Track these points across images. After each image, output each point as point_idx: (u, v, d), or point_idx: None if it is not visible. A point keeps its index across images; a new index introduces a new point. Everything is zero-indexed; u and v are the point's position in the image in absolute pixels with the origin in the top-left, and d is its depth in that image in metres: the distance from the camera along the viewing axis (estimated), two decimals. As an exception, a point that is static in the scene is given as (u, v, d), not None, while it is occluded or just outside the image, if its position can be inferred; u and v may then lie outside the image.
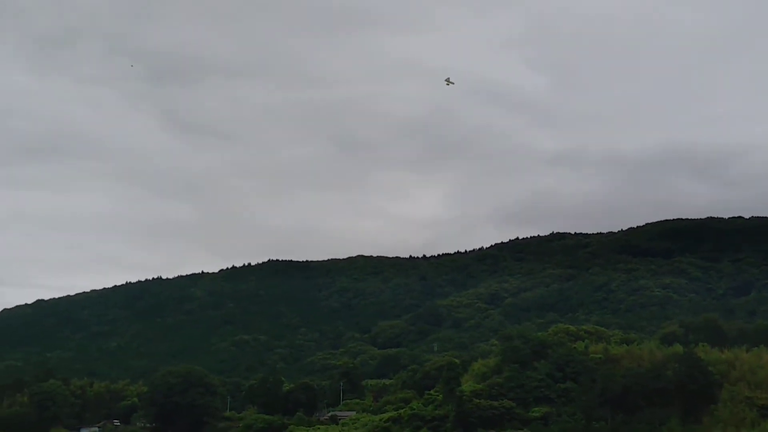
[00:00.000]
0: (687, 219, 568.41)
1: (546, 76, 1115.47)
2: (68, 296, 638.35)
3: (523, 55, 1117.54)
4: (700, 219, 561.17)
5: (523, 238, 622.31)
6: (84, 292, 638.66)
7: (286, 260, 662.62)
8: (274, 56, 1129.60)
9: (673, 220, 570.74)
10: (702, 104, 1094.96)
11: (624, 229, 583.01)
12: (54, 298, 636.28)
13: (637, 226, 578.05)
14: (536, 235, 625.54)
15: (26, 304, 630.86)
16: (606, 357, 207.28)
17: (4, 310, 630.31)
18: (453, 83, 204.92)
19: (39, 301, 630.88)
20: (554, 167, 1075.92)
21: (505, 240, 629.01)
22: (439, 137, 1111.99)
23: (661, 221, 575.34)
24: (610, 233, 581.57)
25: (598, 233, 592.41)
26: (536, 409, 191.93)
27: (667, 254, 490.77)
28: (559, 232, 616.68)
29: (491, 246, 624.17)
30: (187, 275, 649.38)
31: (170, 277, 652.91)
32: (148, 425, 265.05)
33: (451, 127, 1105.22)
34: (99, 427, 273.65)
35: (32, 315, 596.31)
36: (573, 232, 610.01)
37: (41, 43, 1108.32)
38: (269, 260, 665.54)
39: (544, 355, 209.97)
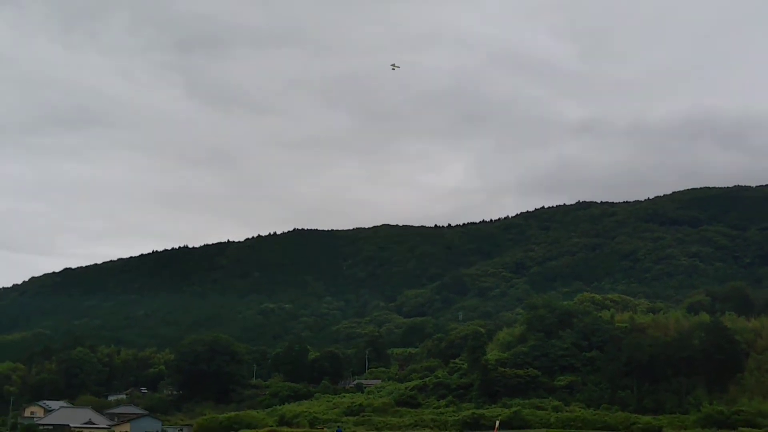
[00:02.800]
0: (714, 187, 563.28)
1: (572, 45, 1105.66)
2: (96, 265, 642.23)
3: (549, 24, 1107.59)
4: (728, 187, 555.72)
5: (549, 207, 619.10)
6: (111, 261, 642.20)
7: (311, 229, 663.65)
8: (301, 26, 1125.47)
9: (701, 188, 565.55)
10: (729, 72, 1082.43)
11: (650, 197, 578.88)
12: (82, 267, 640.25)
13: (664, 195, 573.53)
14: (562, 203, 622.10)
15: (54, 273, 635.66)
16: (632, 326, 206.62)
17: (33, 278, 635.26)
18: (398, 67, 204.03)
19: (67, 270, 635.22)
20: (580, 136, 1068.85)
21: (531, 209, 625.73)
22: (465, 106, 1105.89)
23: (688, 189, 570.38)
24: (637, 202, 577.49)
25: (624, 202, 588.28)
26: (561, 377, 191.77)
27: (694, 223, 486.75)
28: (585, 201, 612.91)
29: (517, 215, 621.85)
30: (213, 244, 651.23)
31: (196, 245, 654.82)
32: (174, 392, 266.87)
33: (477, 97, 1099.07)
34: (126, 395, 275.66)
35: (60, 283, 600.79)
36: (599, 201, 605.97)
37: (69, 13, 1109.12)
38: (295, 229, 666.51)
39: (570, 324, 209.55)
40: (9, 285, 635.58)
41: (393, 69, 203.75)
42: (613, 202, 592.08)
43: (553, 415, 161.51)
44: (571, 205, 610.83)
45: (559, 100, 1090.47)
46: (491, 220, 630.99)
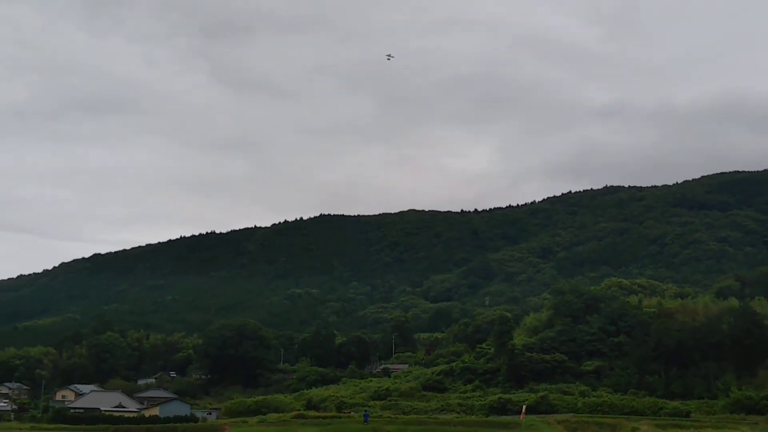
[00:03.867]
0: (743, 171, 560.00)
1: (597, 28, 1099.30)
2: (124, 250, 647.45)
3: (574, 6, 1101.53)
4: (757, 171, 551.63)
5: (576, 192, 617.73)
6: (139, 246, 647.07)
7: (337, 214, 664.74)
8: (325, 11, 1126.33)
9: (730, 172, 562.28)
10: (758, 54, 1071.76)
11: (679, 181, 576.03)
12: (110, 253, 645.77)
13: (693, 179, 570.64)
14: (589, 188, 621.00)
15: (83, 258, 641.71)
16: (660, 311, 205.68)
17: (62, 264, 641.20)
18: (393, 57, 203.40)
19: (96, 255, 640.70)
20: (606, 120, 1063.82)
21: (558, 193, 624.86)
22: (489, 91, 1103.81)
23: (717, 174, 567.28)
24: (665, 186, 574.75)
25: (652, 186, 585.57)
26: (588, 362, 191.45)
27: (723, 207, 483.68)
28: (612, 186, 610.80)
29: (543, 200, 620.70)
30: (239, 229, 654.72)
31: (223, 231, 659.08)
32: (203, 377, 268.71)
33: (502, 81, 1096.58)
34: (155, 379, 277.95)
35: (90, 269, 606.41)
36: (626, 185, 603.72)
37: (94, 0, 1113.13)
38: (321, 214, 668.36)
39: (597, 309, 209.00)
40: (39, 270, 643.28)
41: (388, 59, 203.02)
42: (640, 187, 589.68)
43: (580, 400, 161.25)
44: (599, 189, 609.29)
45: (585, 84, 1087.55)
46: (517, 204, 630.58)
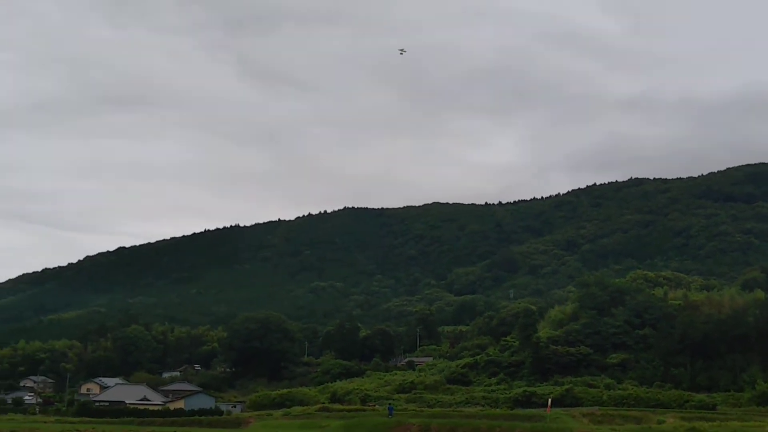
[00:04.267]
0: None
1: (622, 19, 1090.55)
2: (149, 243, 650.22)
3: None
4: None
5: (601, 184, 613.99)
6: (164, 240, 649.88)
7: (361, 207, 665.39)
8: (348, 3, 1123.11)
9: (755, 164, 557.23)
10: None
11: (704, 173, 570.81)
12: (135, 246, 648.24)
13: (718, 171, 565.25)
14: (614, 180, 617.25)
15: (109, 252, 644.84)
16: (685, 303, 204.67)
17: (87, 257, 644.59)
18: (405, 51, 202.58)
19: (121, 249, 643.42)
20: (630, 111, 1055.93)
21: (582, 186, 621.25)
22: (513, 83, 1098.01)
23: (742, 165, 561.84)
24: (690, 178, 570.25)
25: (677, 178, 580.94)
26: (614, 355, 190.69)
27: (749, 199, 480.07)
28: (637, 178, 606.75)
29: (568, 192, 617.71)
30: (264, 223, 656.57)
31: (248, 224, 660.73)
32: (227, 370, 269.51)
33: (526, 72, 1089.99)
34: (180, 372, 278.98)
35: (115, 262, 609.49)
36: (652, 178, 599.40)
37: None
38: (345, 207, 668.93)
39: (622, 302, 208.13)
40: (65, 264, 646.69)
41: (401, 54, 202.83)
42: (666, 179, 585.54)
43: (605, 393, 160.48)
44: (624, 181, 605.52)
45: (609, 75, 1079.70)
46: (542, 197, 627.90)
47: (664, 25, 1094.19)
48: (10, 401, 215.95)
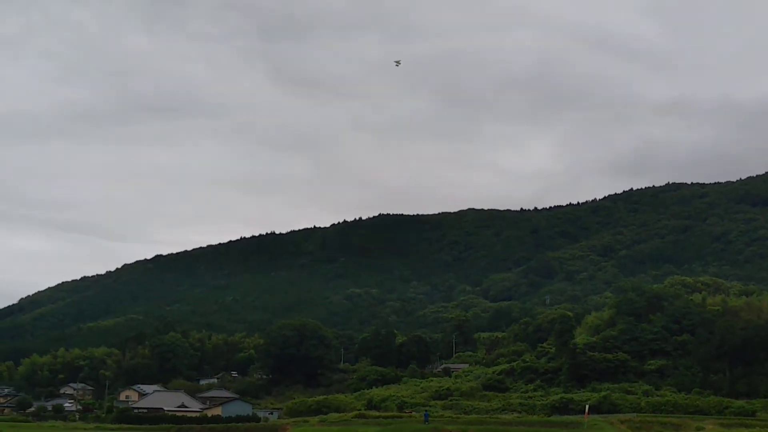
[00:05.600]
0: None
1: (658, 23, 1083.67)
2: (186, 251, 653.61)
3: (633, 1, 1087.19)
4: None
5: (638, 189, 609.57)
6: (201, 247, 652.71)
7: (396, 214, 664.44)
8: (383, 9, 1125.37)
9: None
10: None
11: (742, 177, 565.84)
12: (172, 253, 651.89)
13: (757, 175, 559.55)
14: (651, 185, 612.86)
15: (146, 259, 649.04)
16: (724, 309, 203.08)
17: (125, 265, 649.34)
18: (400, 63, 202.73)
19: (158, 256, 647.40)
20: (667, 116, 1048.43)
21: (619, 191, 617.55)
22: (548, 88, 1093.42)
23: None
24: (728, 183, 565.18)
25: (715, 183, 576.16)
26: (652, 362, 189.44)
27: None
28: (674, 183, 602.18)
29: (604, 197, 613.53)
30: (299, 230, 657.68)
31: (283, 231, 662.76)
32: (264, 377, 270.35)
33: (561, 77, 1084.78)
34: (217, 379, 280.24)
35: (152, 270, 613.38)
36: (689, 182, 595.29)
37: (154, 2, 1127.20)
38: (380, 214, 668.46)
39: (660, 308, 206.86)
40: (103, 272, 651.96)
41: (397, 65, 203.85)
42: (703, 183, 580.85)
43: (643, 400, 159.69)
44: (661, 186, 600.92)
45: (645, 80, 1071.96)
46: (578, 203, 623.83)
47: (701, 28, 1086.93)
48: (50, 408, 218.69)
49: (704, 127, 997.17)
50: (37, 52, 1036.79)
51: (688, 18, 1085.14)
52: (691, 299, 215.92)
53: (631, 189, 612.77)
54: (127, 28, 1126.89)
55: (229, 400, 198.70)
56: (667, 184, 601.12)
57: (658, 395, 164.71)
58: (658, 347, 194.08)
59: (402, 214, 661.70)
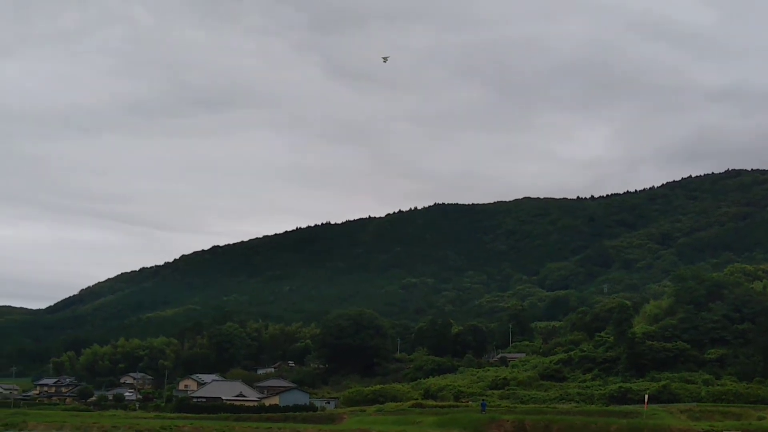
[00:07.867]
0: None
1: (712, 9, 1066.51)
2: (242, 242, 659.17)
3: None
4: None
5: (697, 176, 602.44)
6: (257, 238, 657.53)
7: (451, 203, 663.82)
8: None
9: None
10: None
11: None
12: (229, 244, 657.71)
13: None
14: (710, 172, 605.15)
15: (203, 251, 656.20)
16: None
17: (183, 256, 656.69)
18: (388, 59, 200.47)
19: (215, 248, 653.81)
20: (721, 102, 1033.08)
21: (677, 178, 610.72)
22: (601, 75, 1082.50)
23: None
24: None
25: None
26: (712, 351, 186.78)
27: None
28: (734, 169, 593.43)
29: (662, 185, 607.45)
30: (354, 220, 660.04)
31: (338, 222, 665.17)
32: (321, 366, 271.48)
33: (614, 65, 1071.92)
34: (275, 368, 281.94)
35: (209, 261, 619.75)
36: (749, 169, 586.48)
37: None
38: (435, 204, 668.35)
39: (720, 296, 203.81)
40: (161, 263, 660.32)
41: (384, 61, 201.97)
42: (764, 170, 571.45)
43: (703, 389, 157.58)
44: (720, 173, 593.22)
45: (699, 66, 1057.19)
46: (635, 190, 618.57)
47: (755, 13, 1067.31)
48: (111, 397, 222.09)
49: (760, 112, 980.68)
50: (95, 46, 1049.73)
51: (741, 3, 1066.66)
52: (752, 287, 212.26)
53: (690, 176, 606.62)
54: (180, 21, 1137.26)
55: (286, 389, 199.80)
56: (727, 171, 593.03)
57: (718, 384, 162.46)
58: (719, 336, 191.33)
59: (457, 204, 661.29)
